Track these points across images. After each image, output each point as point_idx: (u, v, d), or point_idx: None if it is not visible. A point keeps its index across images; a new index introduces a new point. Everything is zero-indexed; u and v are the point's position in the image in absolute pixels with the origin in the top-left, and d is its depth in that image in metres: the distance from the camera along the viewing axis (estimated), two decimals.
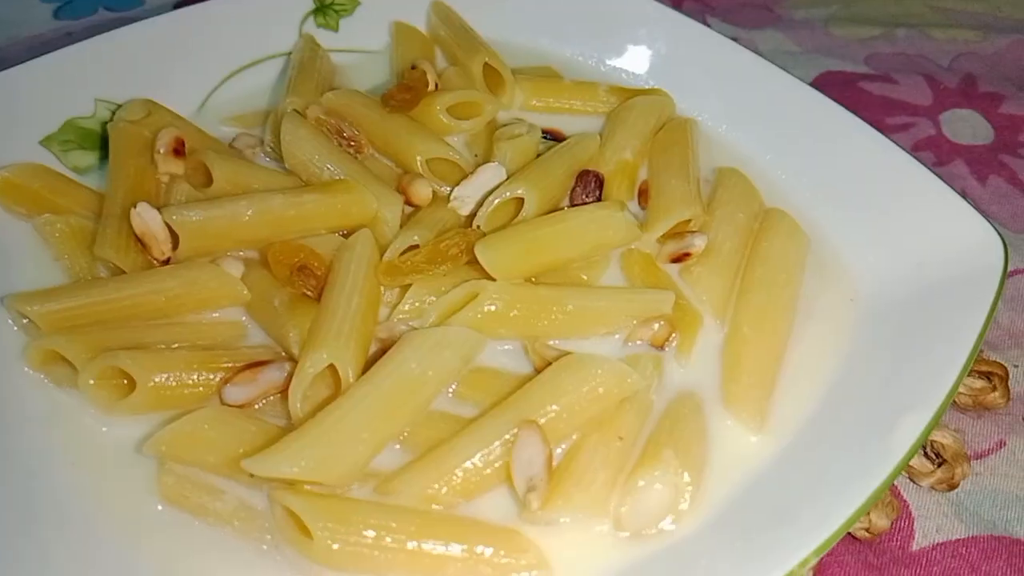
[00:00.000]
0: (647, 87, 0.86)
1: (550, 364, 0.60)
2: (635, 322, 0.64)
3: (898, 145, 0.73)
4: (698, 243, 0.67)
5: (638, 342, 0.64)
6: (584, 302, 0.64)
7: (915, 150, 0.97)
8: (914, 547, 0.64)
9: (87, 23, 1.10)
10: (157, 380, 0.58)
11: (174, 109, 0.80)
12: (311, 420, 0.54)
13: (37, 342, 0.61)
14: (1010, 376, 0.72)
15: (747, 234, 0.71)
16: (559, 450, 0.57)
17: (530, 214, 0.68)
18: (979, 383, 0.71)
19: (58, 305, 0.62)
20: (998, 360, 0.73)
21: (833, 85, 1.04)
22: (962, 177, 0.94)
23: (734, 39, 1.07)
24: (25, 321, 0.64)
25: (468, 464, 0.54)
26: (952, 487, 0.66)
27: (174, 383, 0.59)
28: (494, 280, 0.63)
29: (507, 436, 0.55)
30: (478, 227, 0.67)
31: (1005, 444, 0.70)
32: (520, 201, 0.69)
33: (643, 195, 0.76)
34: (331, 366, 0.58)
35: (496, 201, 0.68)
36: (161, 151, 0.74)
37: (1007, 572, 0.63)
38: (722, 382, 0.62)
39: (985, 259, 0.64)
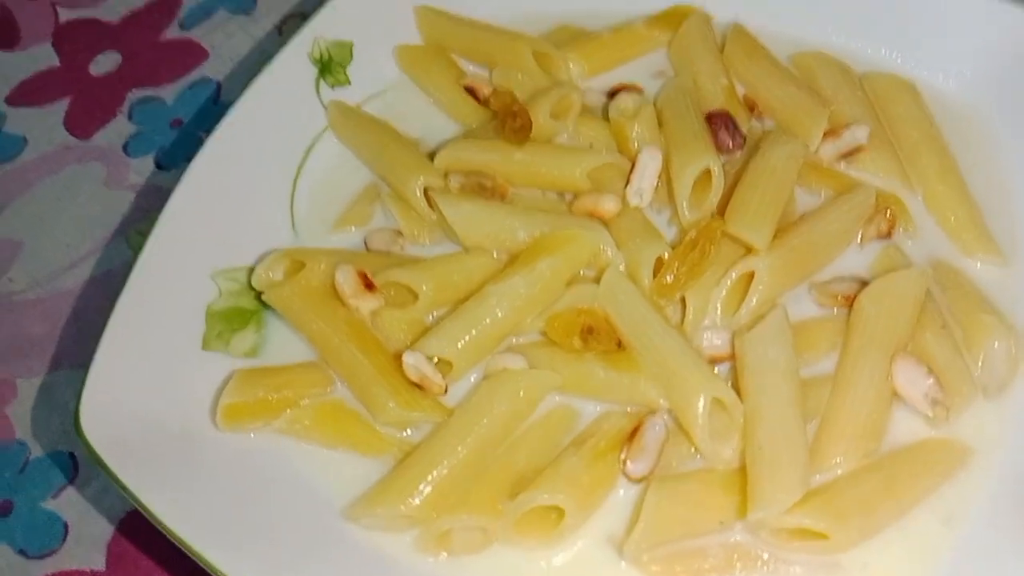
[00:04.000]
0: (675, 5, 0.88)
1: (846, 297, 0.68)
2: (861, 223, 0.72)
3: None
4: (861, 134, 0.75)
5: (871, 241, 0.72)
6: (822, 232, 0.70)
7: None
8: None
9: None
10: (575, 497, 0.61)
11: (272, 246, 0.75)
12: (757, 451, 0.60)
13: (435, 528, 0.61)
14: None
15: (872, 106, 0.79)
16: None
17: (720, 182, 0.72)
18: None
19: (425, 486, 0.61)
20: None
21: None
22: None
23: None
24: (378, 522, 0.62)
25: (869, 411, 0.63)
26: None
27: (588, 490, 0.61)
28: (750, 253, 0.69)
29: (885, 372, 0.63)
30: (713, 216, 0.70)
31: None
32: (708, 170, 0.73)
33: (754, 110, 0.81)
34: None
35: (689, 182, 0.71)
36: (351, 294, 0.70)
37: None
38: (950, 237, 0.72)
39: None
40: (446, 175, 0.75)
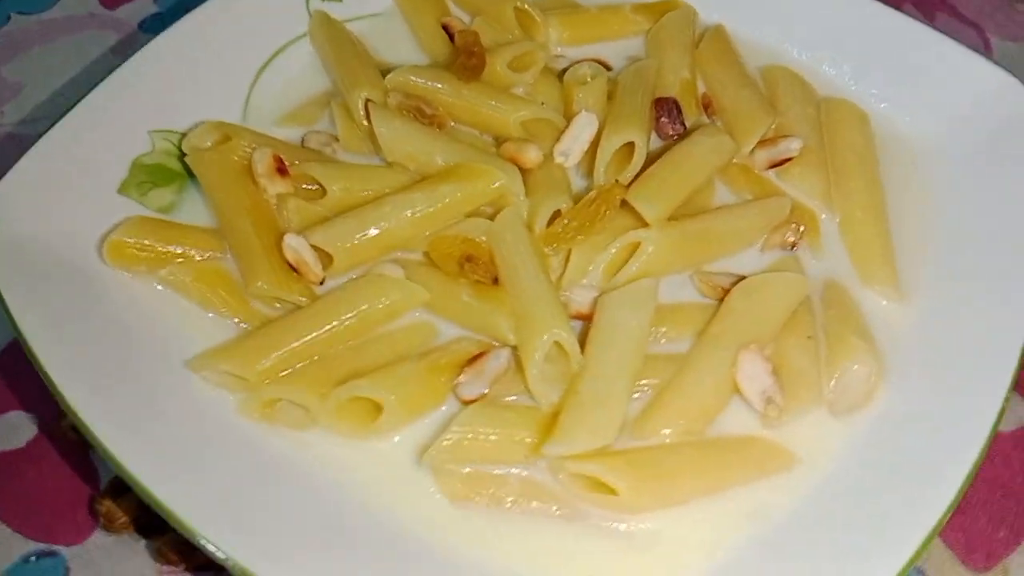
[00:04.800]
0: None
1: (724, 289, 0.68)
2: (766, 232, 0.72)
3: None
4: (794, 146, 0.76)
5: (773, 249, 0.73)
6: (724, 226, 0.72)
7: None
8: None
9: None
10: (399, 396, 0.62)
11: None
12: (574, 396, 0.61)
13: (260, 395, 0.63)
14: None
15: (816, 125, 0.79)
16: None
17: (641, 156, 0.74)
18: None
19: (262, 354, 0.64)
20: None
21: None
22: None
23: None
24: (220, 378, 0.65)
25: (704, 394, 0.63)
26: None
27: (414, 395, 0.63)
28: (644, 226, 0.70)
29: (730, 361, 0.63)
30: (616, 182, 0.72)
31: None
32: (625, 145, 0.74)
33: (708, 108, 0.82)
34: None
35: (610, 152, 0.73)
36: (264, 173, 0.73)
37: None
38: (853, 263, 0.72)
39: (1016, 107, 0.75)
40: (388, 92, 0.78)
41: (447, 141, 0.75)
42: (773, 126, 0.79)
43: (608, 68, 0.85)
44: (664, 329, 0.67)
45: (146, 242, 0.70)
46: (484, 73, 0.80)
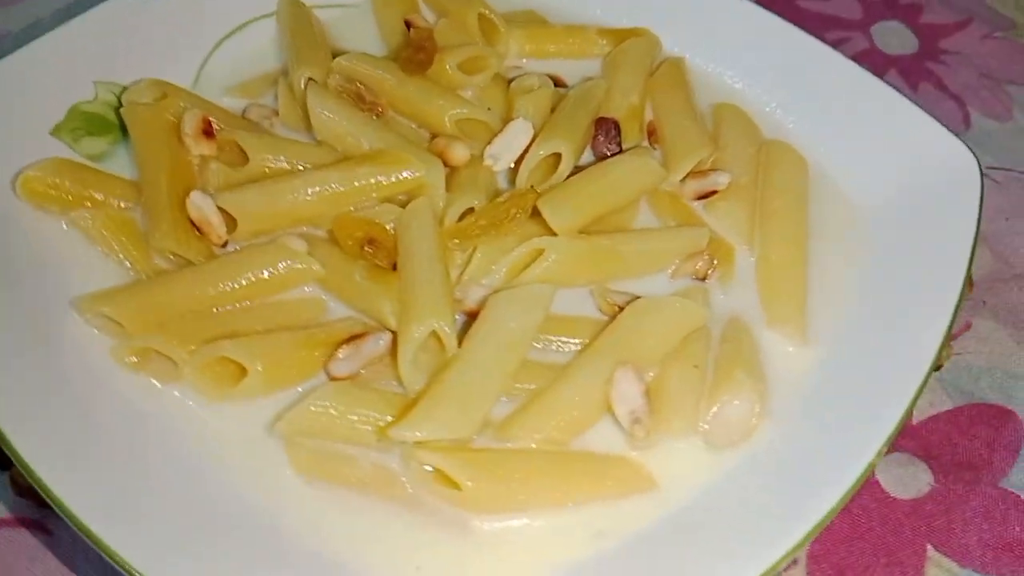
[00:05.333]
0: (632, 27, 0.91)
1: (620, 307, 0.67)
2: (680, 258, 0.71)
3: (866, 68, 0.82)
4: (722, 180, 0.75)
5: (684, 277, 0.71)
6: (635, 246, 0.71)
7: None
8: (914, 422, 0.76)
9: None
10: (265, 364, 0.62)
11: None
12: (436, 385, 0.60)
13: (131, 342, 0.63)
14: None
15: (755, 164, 0.78)
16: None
17: (567, 168, 0.73)
18: None
19: (144, 303, 0.64)
20: None
21: (772, 3, 1.11)
22: (897, 86, 1.05)
23: None
24: (100, 323, 0.65)
25: (576, 405, 0.61)
26: (938, 368, 0.79)
27: (282, 364, 0.62)
28: (554, 235, 0.69)
29: (605, 377, 0.62)
30: (532, 187, 0.71)
31: (971, 325, 0.83)
32: (552, 156, 0.74)
33: (652, 135, 0.82)
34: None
35: (535, 160, 0.73)
36: (190, 134, 0.73)
37: (987, 431, 0.76)
38: (762, 303, 0.71)
39: (963, 176, 0.74)
40: (330, 74, 0.78)
41: (377, 127, 0.75)
42: (710, 159, 0.78)
43: (563, 85, 0.85)
44: (554, 339, 0.66)
45: (60, 182, 0.70)
46: (432, 71, 0.81)
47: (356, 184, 0.70)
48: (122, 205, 0.72)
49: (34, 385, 0.60)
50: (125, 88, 0.78)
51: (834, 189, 0.79)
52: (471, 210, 0.71)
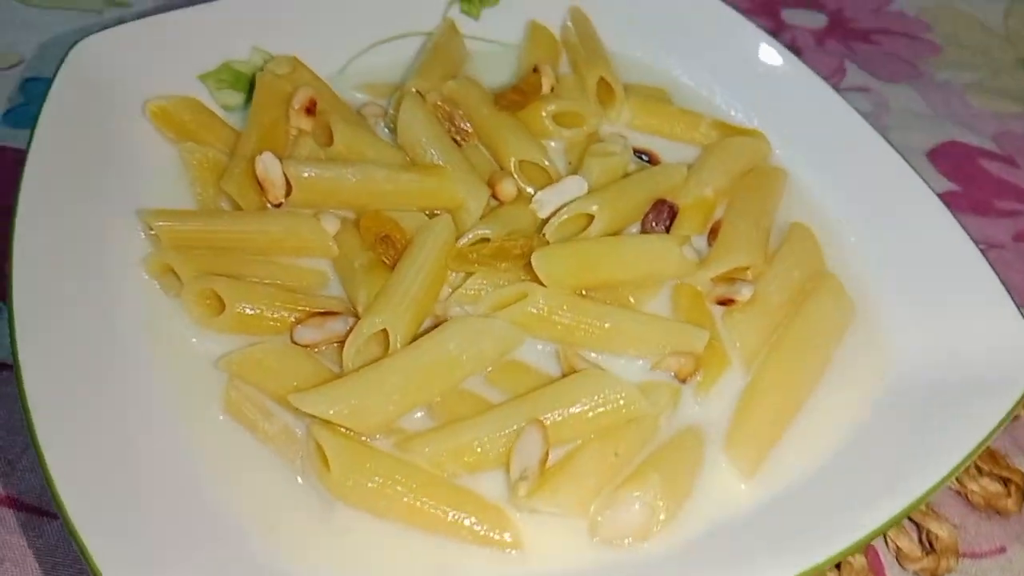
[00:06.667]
0: (749, 127, 0.89)
1: (575, 372, 0.66)
2: (667, 352, 0.69)
3: (969, 236, 0.74)
4: (744, 292, 0.71)
5: (663, 371, 0.69)
6: (621, 323, 0.69)
7: (1018, 239, 0.96)
8: None
9: None
10: (242, 308, 0.68)
11: (318, 68, 0.90)
12: (355, 373, 0.63)
13: (156, 254, 0.72)
14: None
15: (797, 292, 0.74)
16: (561, 451, 0.64)
17: (597, 231, 0.74)
18: (995, 486, 0.73)
19: (180, 225, 0.73)
20: (1020, 468, 0.74)
21: (952, 156, 1.03)
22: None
23: (865, 89, 1.09)
24: (152, 233, 0.75)
25: (477, 443, 0.62)
26: None
27: (256, 313, 0.69)
28: (545, 286, 0.70)
29: (516, 427, 0.62)
30: (542, 235, 0.73)
31: (1005, 551, 0.71)
32: (592, 216, 0.75)
33: (713, 233, 0.80)
34: (385, 330, 0.66)
35: (566, 213, 0.74)
36: (295, 107, 0.83)
37: None
38: (729, 426, 0.67)
39: (1017, 366, 0.65)
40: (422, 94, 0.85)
41: (448, 147, 0.80)
42: (752, 271, 0.75)
43: (650, 156, 0.86)
44: (491, 374, 0.67)
45: (182, 116, 0.83)
46: (526, 115, 0.85)
47: (395, 185, 0.76)
48: (221, 149, 0.83)
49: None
50: (273, 58, 0.90)
51: (876, 341, 0.72)
52: (488, 240, 0.74)
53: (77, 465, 0.56)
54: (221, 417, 0.65)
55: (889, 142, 0.84)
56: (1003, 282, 0.71)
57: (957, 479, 0.73)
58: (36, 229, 0.69)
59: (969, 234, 0.75)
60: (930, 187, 0.79)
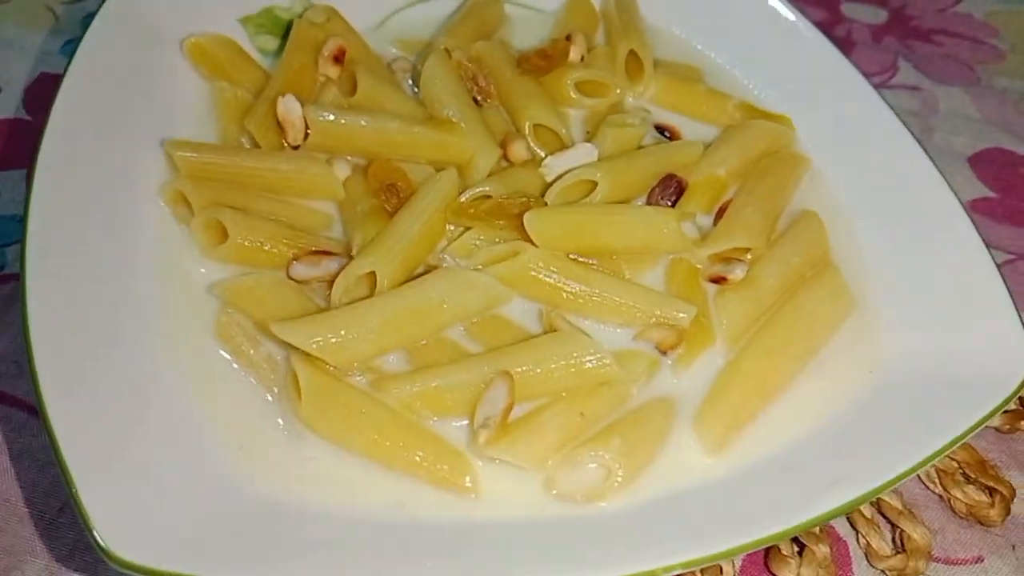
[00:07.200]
0: (776, 112, 0.88)
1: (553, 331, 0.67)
2: (651, 322, 0.69)
3: (985, 244, 0.72)
4: (737, 272, 0.71)
5: (645, 341, 0.69)
6: (609, 291, 0.70)
7: None
8: None
9: None
10: (244, 240, 0.71)
11: (359, 20, 0.92)
12: (338, 310, 0.65)
13: (172, 182, 0.75)
14: (1015, 498, 0.71)
15: (794, 278, 0.73)
16: (528, 406, 0.64)
17: (597, 199, 0.74)
18: (980, 495, 0.71)
19: (198, 156, 0.76)
20: (1011, 480, 0.72)
21: (993, 163, 0.99)
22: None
23: (916, 88, 1.06)
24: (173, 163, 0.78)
25: (447, 389, 0.63)
26: None
27: (256, 246, 0.71)
28: (537, 247, 0.70)
29: (487, 377, 0.63)
30: (540, 197, 0.73)
31: (982, 561, 0.69)
32: (596, 184, 0.75)
33: (721, 214, 0.79)
34: (374, 273, 0.68)
35: (569, 179, 0.75)
36: (324, 54, 0.85)
37: None
38: (701, 405, 0.66)
39: (1009, 371, 0.63)
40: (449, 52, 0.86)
41: (466, 105, 0.81)
42: (751, 252, 0.74)
43: (670, 130, 0.86)
44: (472, 326, 0.68)
45: (217, 54, 0.86)
46: (549, 80, 0.86)
47: (407, 137, 0.77)
48: (249, 89, 0.86)
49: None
50: (313, 5, 0.92)
51: (871, 336, 0.71)
52: (489, 197, 0.75)
53: (62, 365, 0.59)
54: (211, 341, 0.68)
55: (918, 141, 0.82)
56: (1011, 293, 0.69)
57: (942, 484, 0.71)
58: (62, 147, 0.72)
59: (986, 242, 0.73)
60: (953, 190, 0.77)
